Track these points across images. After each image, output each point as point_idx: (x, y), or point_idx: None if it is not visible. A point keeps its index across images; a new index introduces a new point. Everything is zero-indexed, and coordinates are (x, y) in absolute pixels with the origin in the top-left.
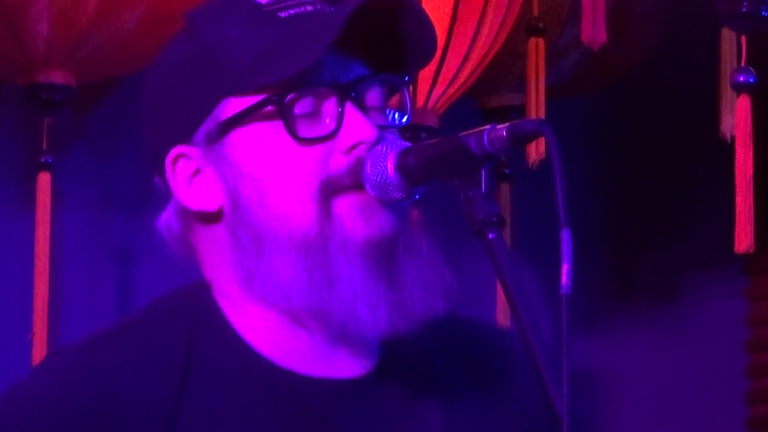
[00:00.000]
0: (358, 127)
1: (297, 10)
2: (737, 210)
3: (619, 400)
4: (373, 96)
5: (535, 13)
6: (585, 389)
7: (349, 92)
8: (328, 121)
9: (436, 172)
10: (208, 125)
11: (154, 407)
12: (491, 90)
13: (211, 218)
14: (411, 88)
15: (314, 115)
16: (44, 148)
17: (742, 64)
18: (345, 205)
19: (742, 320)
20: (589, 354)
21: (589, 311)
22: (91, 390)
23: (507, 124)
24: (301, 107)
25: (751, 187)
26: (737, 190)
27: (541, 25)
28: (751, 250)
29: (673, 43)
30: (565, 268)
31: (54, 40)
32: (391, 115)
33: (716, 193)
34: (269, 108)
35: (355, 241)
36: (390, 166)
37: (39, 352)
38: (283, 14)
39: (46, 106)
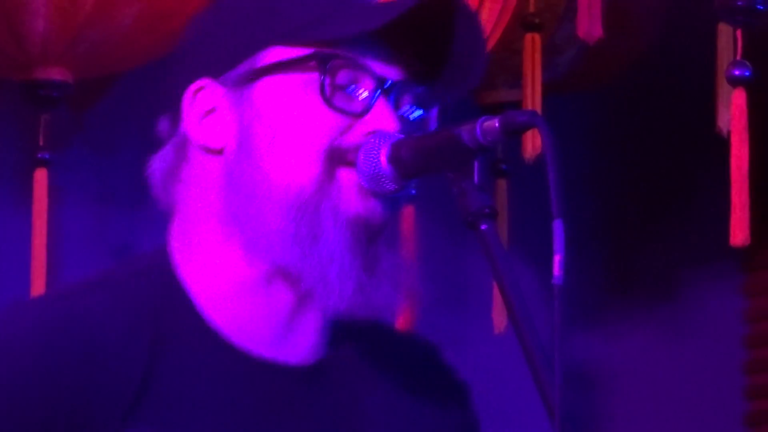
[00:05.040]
0: (384, 117)
1: None
2: (733, 204)
3: (617, 395)
4: (407, 99)
5: (532, 9)
6: (583, 385)
7: (387, 86)
8: (359, 100)
9: (429, 165)
10: (244, 67)
11: (127, 370)
12: (488, 86)
13: (212, 153)
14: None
15: (349, 89)
16: (41, 144)
17: (738, 58)
18: (348, 177)
19: (740, 316)
20: (587, 350)
21: (587, 307)
22: (72, 338)
23: (500, 115)
24: (341, 77)
25: (747, 182)
26: (733, 184)
27: (537, 20)
28: (747, 244)
29: (671, 39)
30: (557, 259)
31: (51, 36)
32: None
33: (713, 188)
34: (311, 63)
35: (346, 212)
36: (383, 158)
37: None
38: None
39: (44, 102)
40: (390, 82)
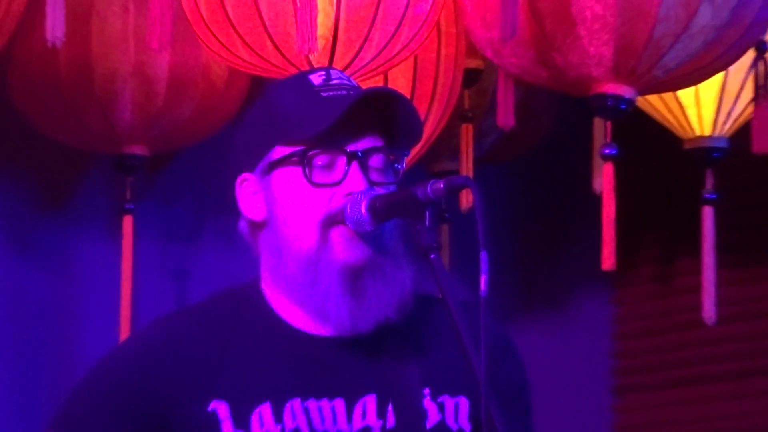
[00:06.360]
0: (355, 180)
1: (336, 93)
2: (603, 241)
3: None
4: (375, 160)
5: (466, 106)
6: None
7: (355, 156)
8: (338, 173)
9: (395, 212)
10: (264, 162)
11: (202, 360)
12: (435, 158)
13: (261, 227)
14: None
15: (329, 167)
16: (128, 198)
17: (608, 140)
18: (336, 234)
19: (609, 319)
20: None
21: (501, 312)
22: (161, 350)
23: (444, 179)
24: (320, 161)
25: (613, 226)
26: (603, 227)
27: (470, 114)
28: (614, 269)
29: (561, 127)
30: (483, 279)
31: (134, 123)
32: (389, 174)
33: (591, 229)
34: (296, 158)
35: (337, 262)
36: (363, 208)
37: None
38: (324, 94)
39: (128, 169)
40: (357, 152)
